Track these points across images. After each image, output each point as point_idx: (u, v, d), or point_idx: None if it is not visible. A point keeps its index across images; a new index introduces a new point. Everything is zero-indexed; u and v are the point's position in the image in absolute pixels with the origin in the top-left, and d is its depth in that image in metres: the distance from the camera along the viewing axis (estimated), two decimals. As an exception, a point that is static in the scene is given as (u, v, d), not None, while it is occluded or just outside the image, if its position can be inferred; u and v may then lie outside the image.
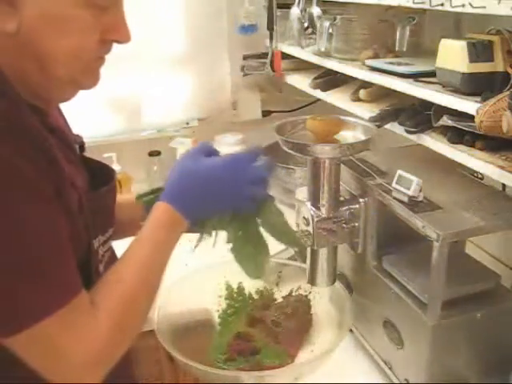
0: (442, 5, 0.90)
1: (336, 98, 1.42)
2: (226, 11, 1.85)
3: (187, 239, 0.88)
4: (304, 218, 1.04)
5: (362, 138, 1.03)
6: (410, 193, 0.94)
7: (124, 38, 0.74)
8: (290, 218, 1.22)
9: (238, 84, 1.95)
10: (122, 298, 0.74)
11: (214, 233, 0.90)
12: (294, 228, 1.09)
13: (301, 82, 1.66)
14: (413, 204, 0.94)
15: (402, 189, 0.95)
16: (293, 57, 1.70)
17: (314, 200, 1.03)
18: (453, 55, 0.95)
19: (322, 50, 1.41)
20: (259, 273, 0.96)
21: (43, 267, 0.66)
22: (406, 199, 0.95)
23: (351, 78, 1.33)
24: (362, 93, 1.30)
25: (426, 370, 0.94)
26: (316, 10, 1.44)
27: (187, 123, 1.94)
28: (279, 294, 1.21)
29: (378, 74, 1.18)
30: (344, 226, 1.05)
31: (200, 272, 1.17)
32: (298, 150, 0.98)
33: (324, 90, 1.47)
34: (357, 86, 1.35)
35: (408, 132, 1.08)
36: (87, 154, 0.89)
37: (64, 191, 0.70)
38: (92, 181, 0.84)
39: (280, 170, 1.69)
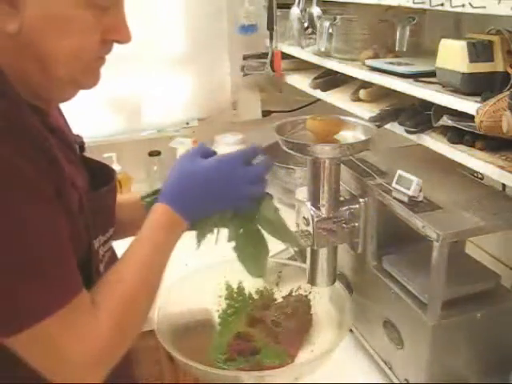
0: (442, 5, 0.90)
1: (336, 97, 1.42)
2: (226, 11, 1.85)
3: (189, 237, 0.88)
4: (304, 217, 1.04)
5: (362, 138, 1.03)
6: (410, 193, 0.94)
7: (125, 38, 0.74)
8: (290, 218, 1.23)
9: (238, 84, 1.95)
10: (122, 298, 0.74)
11: (215, 230, 0.91)
12: (294, 228, 1.09)
13: (301, 82, 1.66)
14: (413, 204, 0.94)
15: (402, 189, 0.95)
16: (293, 57, 1.70)
17: (314, 200, 1.03)
18: (453, 55, 0.95)
19: (322, 49, 1.41)
20: (261, 272, 0.96)
21: (44, 267, 0.66)
22: (406, 199, 0.95)
23: (351, 78, 1.33)
24: (362, 93, 1.30)
25: (426, 370, 0.94)
26: (316, 10, 1.44)
27: (187, 123, 1.94)
28: (279, 294, 1.21)
29: (378, 74, 1.18)
30: (344, 226, 1.05)
31: (200, 272, 1.17)
32: (298, 150, 0.98)
33: (324, 90, 1.47)
34: (357, 86, 1.35)
35: (408, 132, 1.08)
36: (87, 154, 0.89)
37: (64, 191, 0.70)
38: (92, 181, 0.84)
39: (280, 170, 1.69)
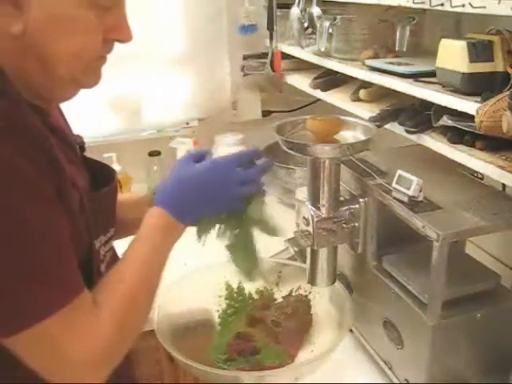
0: (442, 5, 0.90)
1: (336, 97, 1.42)
2: (226, 11, 1.85)
3: (189, 237, 0.89)
4: (304, 217, 1.04)
5: (362, 138, 1.03)
6: (410, 193, 0.94)
7: (126, 37, 0.75)
8: (290, 218, 1.23)
9: (238, 84, 1.95)
10: (123, 298, 0.74)
11: (217, 229, 0.92)
12: (294, 228, 1.09)
13: (301, 82, 1.66)
14: (413, 204, 0.94)
15: (402, 189, 0.95)
16: (293, 57, 1.70)
17: (314, 200, 1.03)
18: (453, 55, 0.95)
19: (322, 49, 1.41)
20: (252, 275, 0.96)
21: (44, 267, 0.66)
22: (406, 199, 0.95)
23: (351, 78, 1.33)
24: (362, 93, 1.30)
25: (425, 370, 0.94)
26: (316, 10, 1.44)
27: (187, 123, 1.94)
28: (279, 294, 1.21)
29: (378, 74, 1.18)
30: (344, 226, 1.05)
31: (200, 272, 1.17)
32: (298, 150, 0.98)
33: (324, 90, 1.47)
34: (357, 86, 1.35)
35: (408, 132, 1.08)
36: (87, 154, 0.89)
37: (65, 191, 0.70)
38: (93, 181, 0.84)
39: (280, 170, 1.69)
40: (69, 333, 0.67)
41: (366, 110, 1.24)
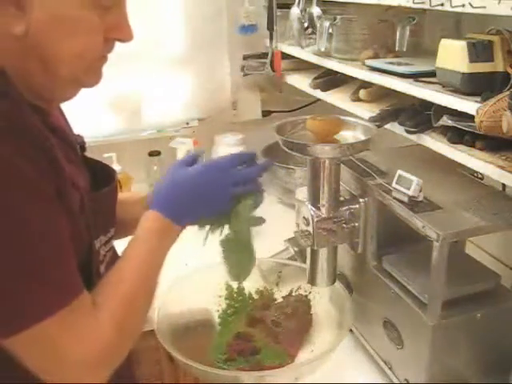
0: (442, 5, 0.90)
1: (336, 97, 1.42)
2: (226, 11, 1.85)
3: (189, 237, 0.89)
4: (304, 217, 1.04)
5: (362, 138, 1.03)
6: (410, 193, 0.94)
7: (127, 36, 0.75)
8: (290, 218, 1.23)
9: (238, 84, 1.95)
10: (123, 299, 0.74)
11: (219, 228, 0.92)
12: (294, 228, 1.09)
13: (301, 81, 1.66)
14: (413, 204, 0.94)
15: (402, 189, 0.95)
16: (293, 57, 1.70)
17: (314, 200, 1.03)
18: (453, 55, 0.95)
19: (322, 49, 1.41)
20: (239, 277, 0.97)
21: (44, 267, 0.66)
22: (406, 199, 0.95)
23: (351, 78, 1.33)
24: (362, 93, 1.30)
25: (426, 370, 0.94)
26: (316, 10, 1.44)
27: (187, 123, 1.94)
28: (279, 294, 1.21)
29: (378, 74, 1.18)
30: (344, 226, 1.05)
31: (200, 272, 1.17)
32: (297, 150, 0.98)
33: (324, 90, 1.47)
34: (357, 86, 1.35)
35: (408, 132, 1.08)
36: (87, 153, 0.89)
37: (65, 191, 0.70)
38: (93, 181, 0.84)
39: (280, 170, 1.69)
40: (68, 334, 0.67)
41: (366, 110, 1.24)
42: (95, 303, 0.71)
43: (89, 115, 1.67)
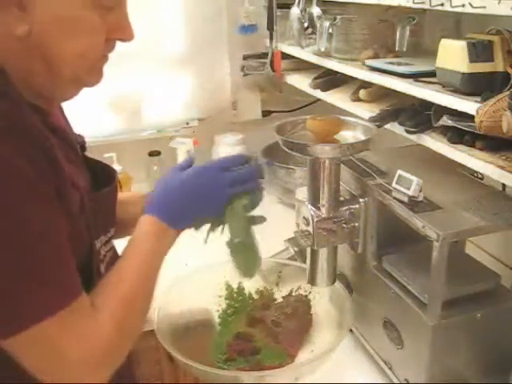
0: (442, 5, 0.90)
1: (336, 97, 1.42)
2: (226, 11, 1.85)
3: (189, 237, 0.89)
4: (304, 217, 1.04)
5: (362, 138, 1.03)
6: (410, 193, 0.94)
7: (128, 36, 0.76)
8: (290, 218, 1.23)
9: (238, 84, 1.95)
10: (122, 299, 0.75)
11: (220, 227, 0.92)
12: (294, 228, 1.09)
13: (301, 81, 1.66)
14: (413, 204, 0.94)
15: (402, 189, 0.95)
16: (293, 57, 1.70)
17: (314, 200, 1.03)
18: (453, 55, 0.95)
19: (322, 49, 1.41)
20: (249, 273, 0.96)
21: (43, 268, 0.66)
22: (406, 199, 0.95)
23: (351, 78, 1.33)
24: (362, 93, 1.30)
25: (426, 370, 0.94)
26: (316, 10, 1.44)
27: (187, 123, 1.94)
28: (279, 294, 1.21)
29: (378, 74, 1.18)
30: (344, 226, 1.05)
31: (200, 272, 1.17)
32: (297, 150, 0.98)
33: (324, 90, 1.47)
34: (357, 86, 1.35)
35: (408, 132, 1.08)
36: (88, 153, 0.89)
37: (64, 191, 0.70)
38: (94, 181, 0.84)
39: (280, 170, 1.69)
40: (68, 334, 0.67)
41: (366, 110, 1.24)
42: (94, 304, 0.71)
43: (89, 115, 1.68)
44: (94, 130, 1.72)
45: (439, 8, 0.91)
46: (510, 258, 1.23)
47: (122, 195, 0.93)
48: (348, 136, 1.05)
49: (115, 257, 0.90)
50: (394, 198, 0.96)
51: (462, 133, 0.96)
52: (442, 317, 0.91)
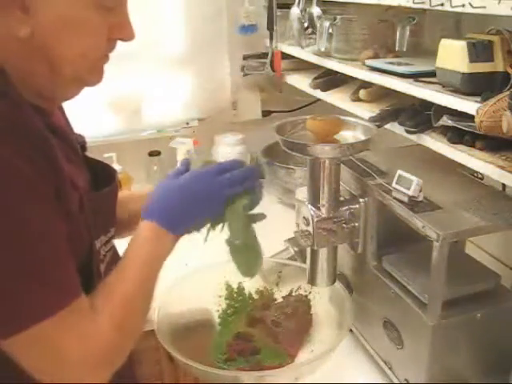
0: (442, 5, 0.90)
1: (336, 97, 1.42)
2: (226, 11, 1.85)
3: (189, 237, 0.89)
4: (304, 217, 1.04)
5: (362, 138, 1.03)
6: (410, 193, 0.94)
7: (129, 35, 0.76)
8: (290, 218, 1.23)
9: (238, 84, 1.95)
10: (122, 300, 0.75)
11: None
12: (294, 228, 1.09)
13: (301, 81, 1.66)
14: (413, 204, 0.94)
15: (402, 189, 0.96)
16: (293, 57, 1.70)
17: (314, 200, 1.03)
18: (453, 55, 0.95)
19: (322, 49, 1.41)
20: (250, 273, 0.96)
21: (43, 268, 0.66)
22: (406, 199, 0.95)
23: (351, 78, 1.33)
24: (362, 93, 1.30)
25: (426, 370, 0.94)
26: (316, 10, 1.44)
27: (187, 123, 1.94)
28: (279, 294, 1.21)
29: (377, 74, 1.18)
30: (344, 226, 1.05)
31: (200, 272, 1.17)
32: (297, 150, 0.98)
33: (324, 90, 1.47)
34: (357, 86, 1.35)
35: (408, 132, 1.08)
36: (88, 153, 0.89)
37: (64, 192, 0.70)
38: (94, 181, 0.84)
39: (280, 170, 1.69)
40: (67, 334, 0.67)
41: (366, 110, 1.24)
42: (93, 306, 0.71)
43: (89, 115, 1.67)
44: (94, 130, 1.72)
45: (439, 8, 0.91)
46: (509, 258, 1.23)
47: (123, 193, 0.93)
48: (348, 136, 1.05)
49: (115, 257, 0.90)
50: (394, 198, 0.96)
51: (462, 133, 0.96)
52: (442, 317, 0.91)
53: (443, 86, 1.01)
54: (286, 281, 1.23)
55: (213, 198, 0.87)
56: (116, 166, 1.63)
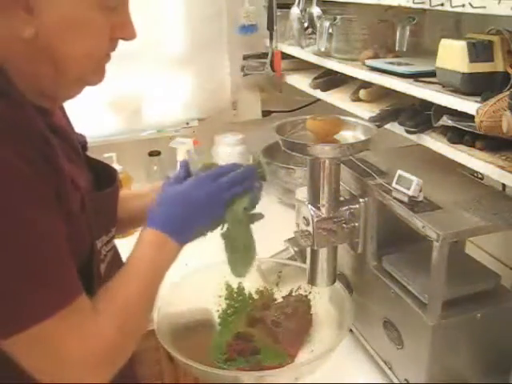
0: (442, 5, 0.90)
1: (336, 97, 1.42)
2: (226, 11, 1.85)
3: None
4: (304, 217, 1.04)
5: (362, 138, 1.03)
6: (410, 193, 0.94)
7: (131, 35, 0.77)
8: (290, 218, 1.23)
9: (238, 84, 1.95)
10: (124, 302, 0.75)
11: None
12: (294, 228, 1.09)
13: (301, 81, 1.66)
14: (413, 204, 0.94)
15: (402, 189, 0.96)
16: (293, 57, 1.70)
17: (314, 200, 1.03)
18: (453, 55, 0.95)
19: (322, 49, 1.41)
20: (241, 272, 0.96)
21: (43, 268, 0.66)
22: (406, 199, 0.95)
23: (351, 78, 1.33)
24: (362, 93, 1.30)
25: (426, 370, 0.94)
26: (316, 10, 1.44)
27: (187, 123, 1.94)
28: (279, 294, 1.21)
29: (377, 74, 1.18)
30: (344, 226, 1.05)
31: (200, 272, 1.17)
32: (297, 150, 0.98)
33: (324, 90, 1.47)
34: (357, 86, 1.35)
35: (408, 132, 1.08)
36: (88, 153, 0.89)
37: (64, 192, 0.70)
38: (95, 181, 0.84)
39: (280, 170, 1.69)
40: (68, 334, 0.67)
41: (366, 110, 1.24)
42: (95, 308, 0.71)
43: (89, 115, 1.67)
44: (95, 130, 1.72)
45: (439, 8, 0.91)
46: (509, 258, 1.23)
47: (122, 192, 0.93)
48: (348, 136, 1.05)
49: (116, 257, 0.90)
50: (394, 198, 0.96)
51: (462, 133, 0.96)
52: (441, 317, 0.91)
53: (443, 86, 1.01)
54: (285, 281, 1.23)
55: (213, 202, 0.87)
56: (116, 166, 1.63)
